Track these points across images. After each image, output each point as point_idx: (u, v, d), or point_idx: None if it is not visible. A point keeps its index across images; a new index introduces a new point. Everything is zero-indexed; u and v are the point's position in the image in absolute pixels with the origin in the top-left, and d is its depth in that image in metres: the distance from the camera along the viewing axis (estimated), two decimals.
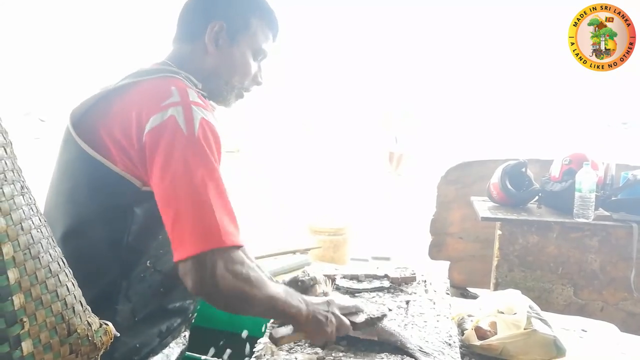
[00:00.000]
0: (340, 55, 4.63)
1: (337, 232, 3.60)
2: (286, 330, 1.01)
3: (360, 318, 1.05)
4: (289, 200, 4.30)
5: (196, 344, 1.20)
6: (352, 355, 1.03)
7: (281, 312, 0.93)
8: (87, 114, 0.96)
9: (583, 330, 1.45)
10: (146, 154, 0.87)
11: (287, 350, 1.07)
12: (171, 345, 1.07)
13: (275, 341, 1.01)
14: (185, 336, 1.14)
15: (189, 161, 0.84)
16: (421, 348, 1.07)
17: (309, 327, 0.97)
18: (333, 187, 4.38)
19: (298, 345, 1.09)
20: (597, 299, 2.42)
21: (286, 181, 4.50)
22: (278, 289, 0.93)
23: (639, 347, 1.36)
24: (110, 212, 0.91)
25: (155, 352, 1.01)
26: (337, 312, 1.00)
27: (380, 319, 1.07)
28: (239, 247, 0.85)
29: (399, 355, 1.05)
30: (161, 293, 0.99)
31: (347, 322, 1.01)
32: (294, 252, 2.14)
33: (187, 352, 1.16)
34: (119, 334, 0.69)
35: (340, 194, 4.29)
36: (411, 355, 1.05)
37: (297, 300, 0.96)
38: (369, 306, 1.11)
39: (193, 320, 1.16)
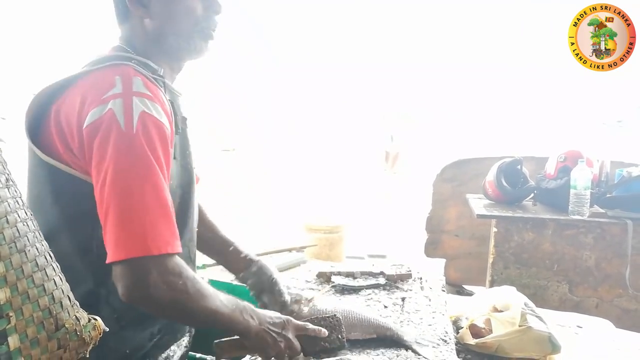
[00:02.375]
0: (337, 54, 4.63)
1: (333, 230, 3.59)
2: (232, 340, 0.96)
3: (312, 345, 0.99)
4: (285, 199, 4.29)
5: (194, 343, 1.18)
6: (349, 352, 1.02)
7: (226, 327, 0.89)
8: (38, 114, 0.90)
9: (578, 326, 1.45)
10: (85, 151, 0.82)
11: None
12: (171, 348, 1.04)
13: (220, 351, 0.96)
14: (190, 334, 1.11)
15: (122, 160, 0.79)
16: (417, 340, 1.07)
17: (253, 345, 0.93)
18: (329, 185, 4.38)
19: None
20: (592, 295, 2.42)
21: (282, 179, 4.49)
22: (223, 302, 0.88)
23: (633, 343, 1.37)
24: (75, 218, 0.87)
25: (150, 355, 0.98)
26: (290, 335, 0.95)
27: (335, 351, 1.01)
28: (172, 254, 0.80)
29: (395, 350, 1.04)
30: None
31: (298, 346, 0.96)
32: (289, 250, 2.13)
33: (190, 352, 1.15)
34: (108, 329, 0.68)
35: (337, 192, 4.28)
36: (408, 348, 1.04)
37: (248, 315, 0.91)
38: (334, 332, 1.03)
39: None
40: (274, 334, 0.93)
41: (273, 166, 4.56)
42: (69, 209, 0.87)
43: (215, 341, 0.97)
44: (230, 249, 1.19)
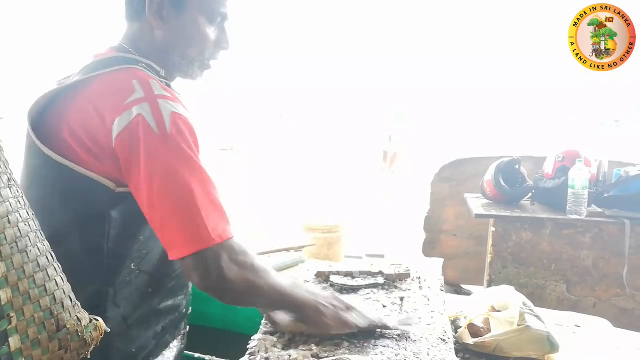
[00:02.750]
0: (336, 53, 4.63)
1: (332, 230, 3.59)
2: (286, 317, 0.99)
3: (362, 322, 1.02)
4: (284, 198, 4.29)
5: (191, 343, 1.19)
6: (347, 352, 1.02)
7: (288, 303, 0.93)
8: (46, 114, 0.90)
9: (576, 325, 1.45)
10: (119, 158, 0.82)
11: (281, 348, 1.06)
12: (170, 345, 1.04)
13: (274, 324, 0.99)
14: (184, 333, 1.11)
15: (166, 162, 0.80)
16: (401, 322, 1.08)
17: (311, 320, 0.95)
18: (327, 185, 4.38)
19: (292, 342, 1.09)
20: (589, 295, 2.43)
21: (280, 179, 4.49)
22: (283, 279, 0.91)
23: (632, 342, 1.37)
24: (87, 219, 0.86)
25: (153, 354, 0.99)
26: (339, 306, 0.98)
27: (381, 327, 1.05)
28: (232, 238, 0.84)
29: (394, 349, 1.04)
30: (150, 294, 0.95)
31: (352, 322, 0.99)
32: (288, 250, 2.13)
33: (185, 352, 1.15)
34: (109, 330, 0.68)
35: (335, 192, 4.29)
36: (394, 334, 1.04)
37: (305, 291, 0.95)
38: (369, 310, 1.07)
39: (189, 314, 1.14)
40: (330, 308, 0.96)
41: (271, 165, 4.56)
42: (80, 209, 0.87)
43: (270, 314, 1.01)
44: None
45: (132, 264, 0.91)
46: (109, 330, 0.67)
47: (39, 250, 0.59)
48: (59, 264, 0.63)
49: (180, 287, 1.04)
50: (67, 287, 0.63)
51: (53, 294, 0.58)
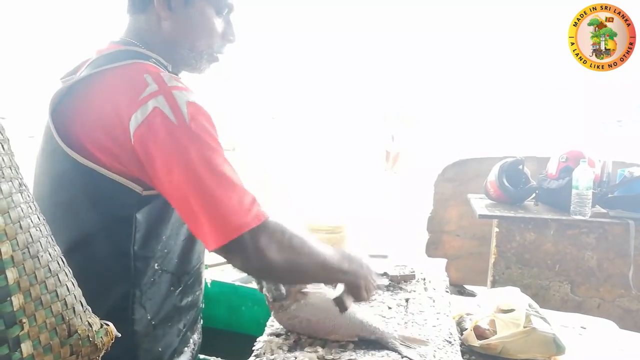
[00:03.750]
0: (337, 53, 4.62)
1: (335, 230, 3.60)
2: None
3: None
4: (286, 199, 4.29)
5: (203, 346, 1.19)
6: (354, 354, 1.02)
7: (335, 279, 0.94)
8: (64, 115, 0.88)
9: (582, 327, 1.45)
10: (139, 155, 0.81)
11: (287, 350, 1.06)
12: (190, 340, 1.06)
13: (342, 306, 0.99)
14: (199, 327, 1.12)
15: (188, 152, 0.79)
16: (403, 342, 1.05)
17: (354, 291, 0.98)
18: (330, 185, 4.38)
19: (297, 344, 1.08)
20: (594, 295, 2.42)
21: (283, 180, 4.49)
22: (329, 253, 0.91)
23: (637, 343, 1.37)
24: (114, 222, 0.86)
25: (178, 351, 1.00)
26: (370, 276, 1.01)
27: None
28: (268, 218, 0.82)
29: (400, 352, 1.04)
30: (172, 292, 0.96)
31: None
32: None
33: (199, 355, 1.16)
34: (120, 335, 0.68)
35: (338, 193, 4.28)
36: (393, 350, 1.04)
37: (347, 261, 0.94)
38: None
39: (203, 306, 1.14)
40: (366, 275, 0.98)
41: (274, 166, 4.55)
42: (107, 213, 0.86)
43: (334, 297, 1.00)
44: None
45: (156, 264, 0.91)
46: (119, 335, 0.67)
47: (50, 255, 0.59)
48: (70, 269, 0.63)
49: (197, 283, 1.05)
50: (78, 292, 0.63)
51: (64, 299, 0.58)
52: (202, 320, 1.15)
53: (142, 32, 0.96)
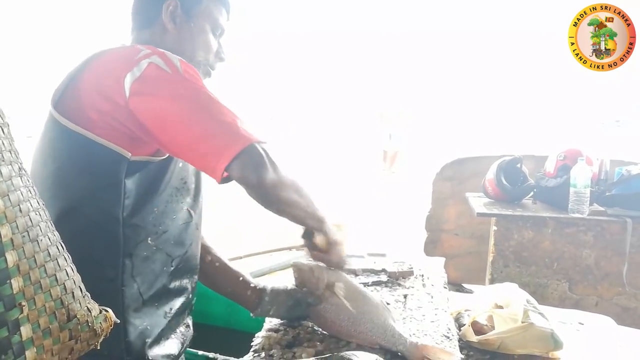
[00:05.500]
0: (335, 53, 4.63)
1: None
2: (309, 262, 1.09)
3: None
4: None
5: (195, 341, 1.19)
6: (350, 350, 1.02)
7: (312, 216, 1.01)
8: (63, 90, 0.94)
9: (580, 323, 1.45)
10: (135, 108, 0.85)
11: (285, 345, 1.06)
12: (177, 330, 1.06)
13: (298, 272, 1.08)
14: (187, 324, 1.12)
15: (183, 93, 0.85)
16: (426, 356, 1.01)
17: (327, 243, 1.09)
18: (328, 184, 4.38)
19: (296, 340, 1.08)
20: (591, 293, 2.43)
21: None
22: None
23: (635, 339, 1.37)
24: (101, 188, 0.89)
25: (165, 335, 1.01)
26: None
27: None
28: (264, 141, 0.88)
29: (398, 352, 1.04)
30: (164, 272, 0.99)
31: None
32: (290, 249, 2.13)
33: (189, 349, 1.15)
34: (119, 321, 0.68)
35: (336, 192, 4.28)
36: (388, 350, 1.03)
37: (324, 215, 1.05)
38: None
39: (193, 306, 1.15)
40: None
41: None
42: (96, 178, 0.89)
43: (293, 262, 1.10)
44: (240, 279, 1.20)
45: (149, 239, 0.94)
46: (118, 321, 0.67)
47: (49, 239, 0.59)
48: (69, 255, 0.63)
49: (187, 270, 1.06)
50: (77, 277, 0.63)
51: (64, 283, 0.58)
52: (191, 316, 1.15)
53: (147, 43, 1.02)
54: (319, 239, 1.08)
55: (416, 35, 4.46)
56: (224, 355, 1.48)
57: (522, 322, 1.15)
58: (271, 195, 0.89)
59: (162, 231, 0.95)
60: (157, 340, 0.98)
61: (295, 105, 4.75)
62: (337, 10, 4.45)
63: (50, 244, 0.58)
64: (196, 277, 1.12)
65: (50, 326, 0.55)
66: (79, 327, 0.58)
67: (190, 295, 1.11)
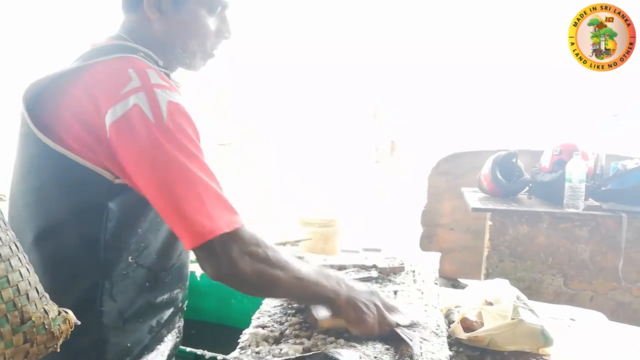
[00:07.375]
0: (330, 47, 4.60)
1: (328, 224, 3.56)
2: (325, 312, 0.95)
3: (404, 320, 0.96)
4: (280, 193, 4.27)
5: (185, 337, 1.17)
6: (339, 347, 1.00)
7: (313, 295, 0.90)
8: (41, 101, 0.86)
9: (571, 319, 1.43)
10: (114, 149, 0.79)
11: (272, 342, 1.04)
12: (165, 339, 1.02)
13: (315, 321, 0.95)
14: (179, 327, 1.09)
15: (165, 151, 0.78)
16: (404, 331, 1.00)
17: (348, 314, 0.92)
18: (324, 179, 4.36)
19: (283, 336, 1.06)
20: (586, 288, 2.42)
21: (277, 173, 4.47)
22: (307, 269, 0.88)
23: (626, 335, 1.35)
24: (83, 210, 0.84)
25: (148, 348, 0.97)
26: (380, 305, 0.94)
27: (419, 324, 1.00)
28: (243, 227, 0.81)
29: (386, 345, 1.02)
30: (147, 288, 0.93)
31: (391, 318, 0.94)
32: (284, 244, 2.11)
33: (180, 346, 1.13)
34: (79, 322, 0.65)
35: (331, 186, 4.27)
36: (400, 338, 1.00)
37: (335, 282, 0.91)
38: (408, 309, 1.03)
39: (185, 309, 1.12)
40: (366, 301, 0.92)
41: (268, 160, 4.54)
42: (77, 200, 0.84)
43: (311, 308, 0.96)
44: None
45: (130, 257, 0.88)
46: (79, 323, 0.64)
47: (0, 240, 0.57)
48: (25, 255, 0.61)
49: (176, 281, 1.02)
50: (34, 278, 0.60)
51: (17, 285, 0.56)
52: (182, 321, 1.11)
53: (135, 31, 0.95)
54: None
55: (413, 29, 4.43)
56: (213, 351, 1.47)
57: (512, 319, 1.13)
58: (252, 285, 0.83)
59: (143, 248, 0.90)
60: (139, 357, 0.95)
61: (293, 100, 4.73)
62: (334, 7, 4.42)
63: (1, 244, 0.56)
64: (187, 282, 1.08)
65: (2, 329, 0.52)
66: (35, 329, 0.56)
67: (181, 304, 1.08)
